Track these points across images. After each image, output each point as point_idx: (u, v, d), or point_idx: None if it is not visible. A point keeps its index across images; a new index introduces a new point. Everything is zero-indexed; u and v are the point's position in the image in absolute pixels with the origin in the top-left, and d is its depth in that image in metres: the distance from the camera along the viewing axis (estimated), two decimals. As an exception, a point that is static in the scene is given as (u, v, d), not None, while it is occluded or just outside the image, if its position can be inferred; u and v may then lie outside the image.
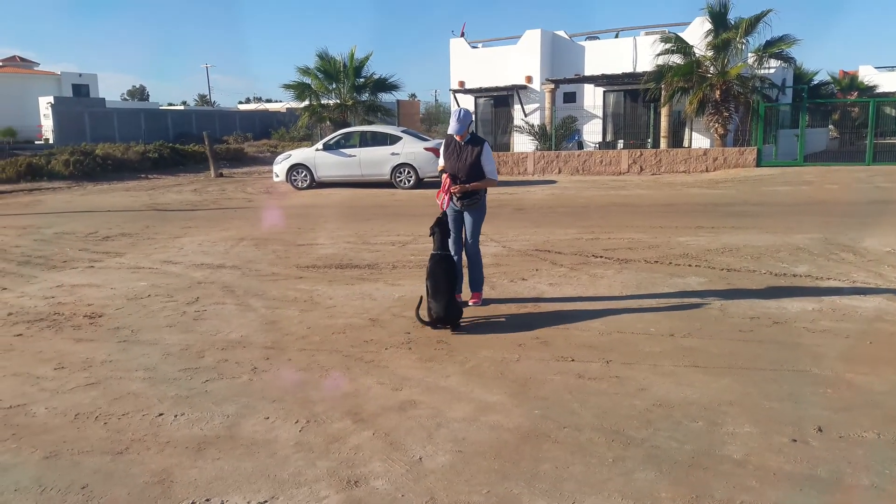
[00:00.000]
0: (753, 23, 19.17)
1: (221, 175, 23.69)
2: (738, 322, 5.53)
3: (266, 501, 3.03)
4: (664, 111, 21.47)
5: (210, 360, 4.88)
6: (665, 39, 20.52)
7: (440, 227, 5.79)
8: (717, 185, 16.54)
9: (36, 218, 13.42)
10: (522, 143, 24.80)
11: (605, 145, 24.35)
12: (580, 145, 24.50)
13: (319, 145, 18.29)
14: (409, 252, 8.81)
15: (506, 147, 26.18)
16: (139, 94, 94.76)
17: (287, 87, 22.36)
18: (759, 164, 19.45)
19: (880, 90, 35.65)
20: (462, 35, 27.42)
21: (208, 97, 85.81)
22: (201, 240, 10.24)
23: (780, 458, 3.30)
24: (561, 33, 26.16)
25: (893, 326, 5.32)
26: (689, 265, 7.64)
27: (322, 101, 22.82)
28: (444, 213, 5.99)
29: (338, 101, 22.60)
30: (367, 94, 22.92)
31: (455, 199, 6.00)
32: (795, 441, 3.48)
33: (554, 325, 5.55)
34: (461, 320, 5.54)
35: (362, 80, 22.70)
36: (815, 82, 31.46)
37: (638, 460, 3.32)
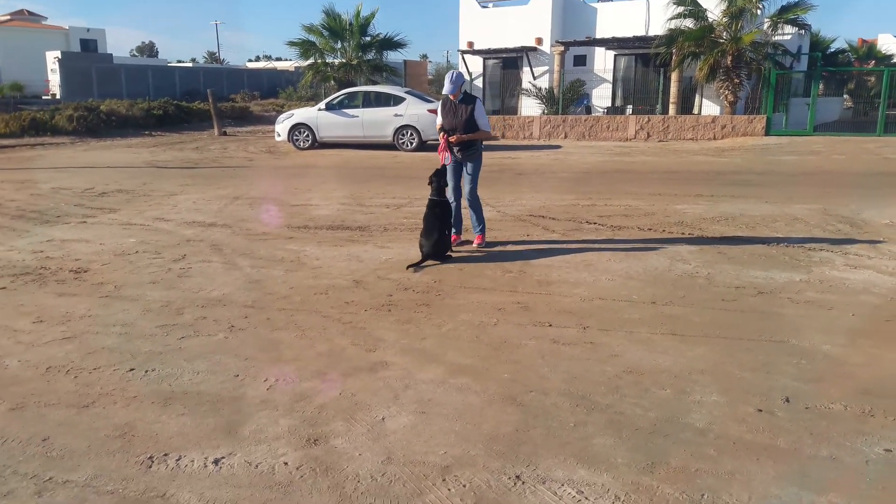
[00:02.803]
0: (770, -14, 18.71)
1: (225, 133, 23.59)
2: (722, 291, 5.48)
3: (223, 457, 3.04)
4: (674, 77, 21.13)
5: (188, 318, 4.89)
6: (678, 2, 20.09)
7: (437, 177, 6.58)
8: (723, 154, 16.33)
9: (35, 173, 13.43)
10: (530, 107, 24.52)
11: (613, 110, 24.04)
12: (588, 110, 24.20)
13: (322, 105, 18.12)
14: (402, 215, 8.76)
15: (514, 110, 25.89)
16: (148, 50, 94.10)
17: (292, 44, 22.09)
18: (767, 132, 19.16)
19: (899, 59, 34.90)
20: (473, -6, 26.92)
21: (217, 54, 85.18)
22: (196, 198, 10.22)
23: (743, 427, 3.28)
24: (574, -6, 25.65)
25: (879, 299, 5.26)
26: (683, 233, 7.57)
27: (327, 60, 22.51)
28: (443, 166, 6.76)
29: (343, 60, 22.31)
30: (372, 53, 22.59)
31: (455, 150, 6.74)
32: (761, 411, 3.46)
33: (537, 291, 5.52)
34: (451, 253, 6.55)
35: (368, 38, 22.36)
36: (832, 50, 30.78)
37: (599, 426, 3.31)
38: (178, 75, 51.89)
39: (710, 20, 19.65)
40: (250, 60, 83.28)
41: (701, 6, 19.89)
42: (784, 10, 19.38)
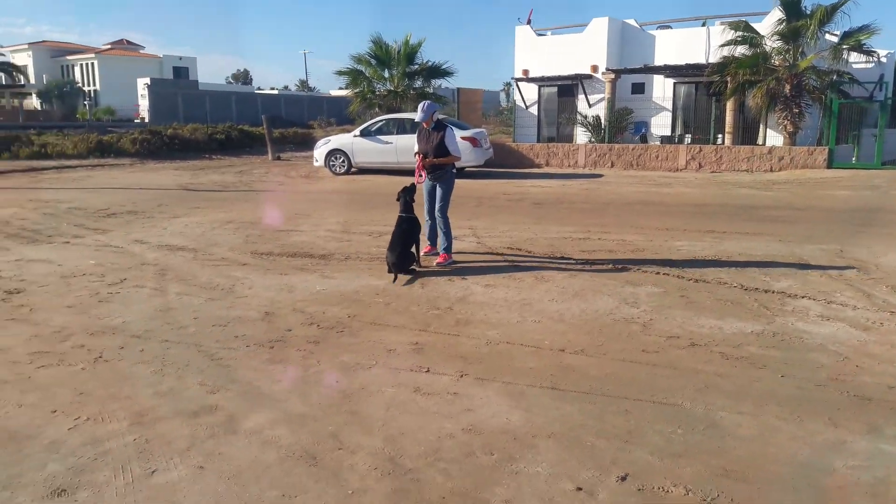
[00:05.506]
0: (830, 12, 17.53)
1: (279, 158, 24.13)
2: (651, 340, 4.92)
3: (-47, 505, 2.84)
4: (730, 105, 20.07)
5: (68, 345, 4.78)
6: (734, 27, 19.17)
7: (405, 194, 7.11)
8: (772, 187, 15.28)
9: (68, 192, 14.00)
10: (583, 135, 23.92)
11: (669, 139, 23.09)
12: (644, 138, 23.37)
13: (357, 131, 18.20)
14: (378, 243, 8.50)
15: (569, 138, 25.30)
16: (243, 77, 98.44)
17: (340, 73, 22.41)
18: (830, 165, 17.85)
19: None
20: (528, 22, 26.67)
21: (307, 82, 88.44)
22: (193, 221, 10.31)
23: (540, 509, 2.81)
24: (631, 22, 24.98)
25: (829, 359, 4.57)
26: (657, 273, 6.96)
27: (375, 88, 22.66)
28: (412, 184, 7.27)
29: (390, 88, 22.41)
30: (419, 81, 22.59)
31: (428, 173, 7.32)
32: (580, 489, 2.97)
33: (448, 332, 5.13)
34: (416, 266, 7.00)
35: (416, 66, 22.36)
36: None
37: (380, 495, 2.91)
38: (261, 101, 53.94)
39: (768, 48, 18.61)
40: (341, 88, 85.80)
41: (758, 32, 18.91)
42: (846, 35, 18.09)
